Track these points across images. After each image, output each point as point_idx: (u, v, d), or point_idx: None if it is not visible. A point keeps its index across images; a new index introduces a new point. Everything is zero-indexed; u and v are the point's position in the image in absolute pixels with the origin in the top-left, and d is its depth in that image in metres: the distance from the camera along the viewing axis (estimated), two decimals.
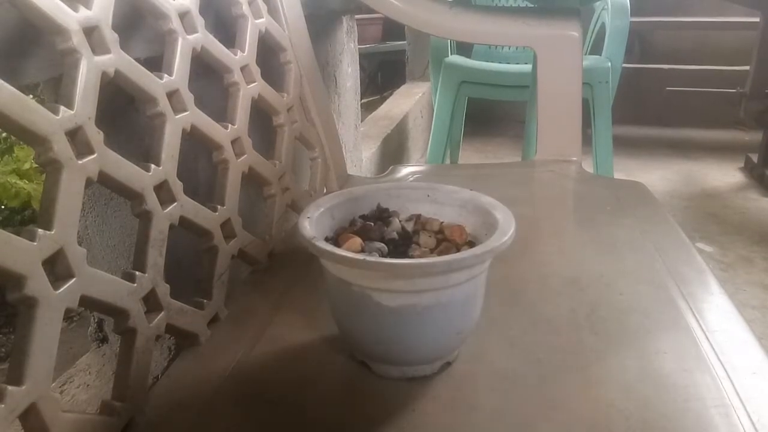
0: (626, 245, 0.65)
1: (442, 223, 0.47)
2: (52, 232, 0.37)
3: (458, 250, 0.44)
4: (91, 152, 0.41)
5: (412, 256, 0.44)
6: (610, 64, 1.82)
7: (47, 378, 0.35)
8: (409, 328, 0.41)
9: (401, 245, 0.45)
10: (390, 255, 0.44)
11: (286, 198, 0.71)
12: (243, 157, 0.62)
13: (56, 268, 0.37)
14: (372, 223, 0.47)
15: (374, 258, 0.40)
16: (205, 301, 0.54)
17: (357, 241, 0.44)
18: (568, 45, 0.91)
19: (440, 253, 0.44)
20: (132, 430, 0.42)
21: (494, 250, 0.40)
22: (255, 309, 0.57)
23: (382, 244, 0.44)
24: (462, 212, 0.48)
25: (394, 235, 0.46)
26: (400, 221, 0.47)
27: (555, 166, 0.90)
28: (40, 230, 0.36)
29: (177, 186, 0.51)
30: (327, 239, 0.45)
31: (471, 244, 0.45)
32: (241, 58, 0.65)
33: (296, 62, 0.78)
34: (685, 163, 2.43)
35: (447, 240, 0.46)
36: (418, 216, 0.48)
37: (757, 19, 2.15)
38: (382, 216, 0.48)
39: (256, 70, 0.67)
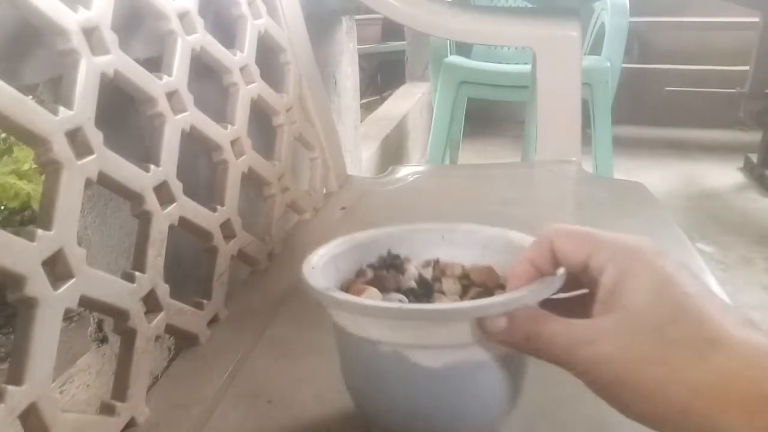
0: None
1: (464, 266, 0.40)
2: (52, 233, 0.37)
3: (491, 295, 0.36)
4: (91, 153, 0.41)
5: None
6: (609, 64, 1.82)
7: (47, 378, 0.36)
8: (456, 395, 0.33)
9: (422, 295, 0.39)
10: None
11: (285, 198, 0.71)
12: (242, 158, 0.62)
13: (56, 268, 0.37)
14: (385, 272, 0.40)
15: (417, 305, 0.33)
16: (205, 301, 0.54)
17: (373, 291, 0.37)
18: (567, 45, 0.91)
19: (473, 299, 0.36)
20: (132, 430, 0.42)
21: (556, 281, 0.32)
22: (255, 309, 0.57)
23: (401, 295, 0.38)
24: (486, 252, 0.41)
25: (412, 283, 0.39)
26: (416, 268, 0.41)
27: (555, 167, 0.90)
28: (39, 230, 0.36)
29: (176, 186, 0.51)
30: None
31: (503, 287, 0.38)
32: (240, 58, 0.65)
33: (296, 62, 0.78)
34: (685, 164, 2.43)
35: (475, 285, 0.39)
36: (436, 260, 0.41)
37: (757, 19, 2.15)
38: (393, 263, 0.41)
39: (255, 71, 0.67)
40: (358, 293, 0.36)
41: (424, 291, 0.39)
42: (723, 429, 0.24)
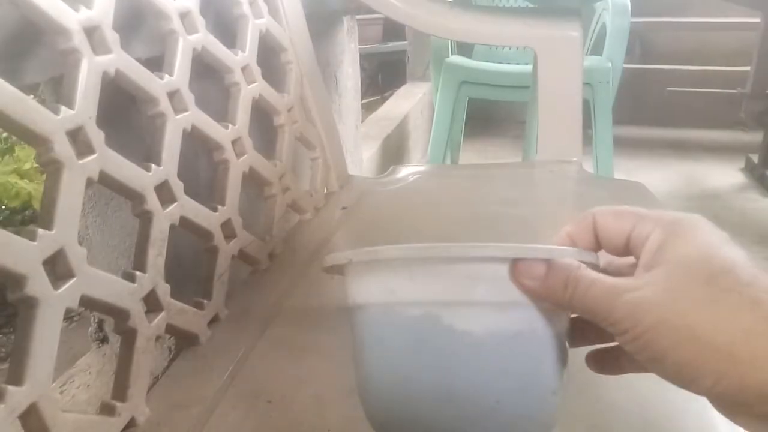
0: None
1: None
2: (53, 232, 0.37)
3: None
4: (92, 152, 0.41)
5: None
6: (610, 64, 1.82)
7: (47, 378, 0.35)
8: (497, 367, 0.29)
9: None
10: None
11: (286, 198, 0.71)
12: (243, 157, 0.62)
13: (56, 268, 0.37)
14: None
15: (454, 245, 0.28)
16: (205, 301, 0.54)
17: None
18: (568, 45, 0.90)
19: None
20: (132, 430, 0.42)
21: (594, 254, 0.31)
22: (255, 309, 0.57)
23: None
24: None
25: None
26: None
27: (555, 167, 0.89)
28: (40, 230, 0.36)
29: (177, 186, 0.51)
30: None
31: None
32: (241, 58, 0.65)
33: (297, 62, 0.78)
34: (686, 164, 2.43)
35: None
36: None
37: (758, 20, 2.15)
38: None
39: (256, 70, 0.67)
40: None
41: None
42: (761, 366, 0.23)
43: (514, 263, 0.28)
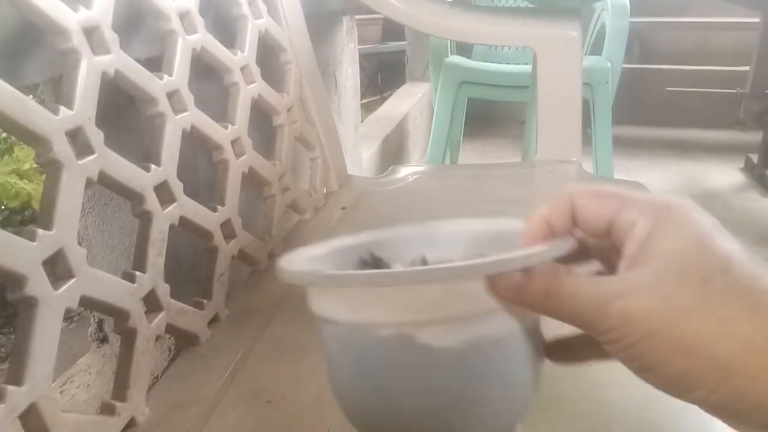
0: None
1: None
2: (52, 232, 0.37)
3: None
4: (91, 152, 0.41)
5: None
6: (610, 64, 1.82)
7: (47, 378, 0.35)
8: (476, 378, 0.28)
9: None
10: None
11: (286, 198, 0.71)
12: (243, 158, 0.62)
13: (56, 268, 0.37)
14: None
15: (425, 267, 0.27)
16: (205, 301, 0.54)
17: None
18: (568, 45, 0.91)
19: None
20: (132, 430, 0.42)
21: (569, 241, 0.28)
22: (255, 309, 0.57)
23: None
24: (475, 248, 0.36)
25: None
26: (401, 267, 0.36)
27: (555, 167, 0.89)
28: (40, 230, 0.36)
29: (177, 186, 0.51)
30: None
31: None
32: (241, 58, 0.65)
33: (296, 62, 0.78)
34: (685, 164, 2.43)
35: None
36: (423, 259, 0.36)
37: (757, 20, 2.15)
38: (377, 266, 0.37)
39: (256, 71, 0.67)
40: None
41: None
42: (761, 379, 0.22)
43: (488, 278, 0.26)
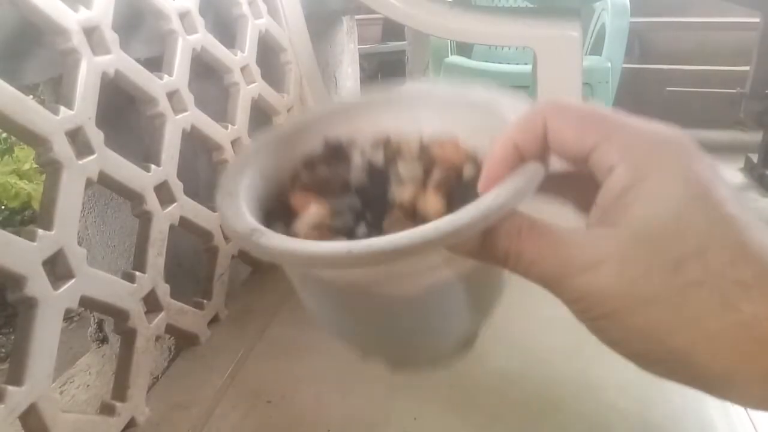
0: None
1: (422, 140, 0.32)
2: (52, 233, 0.37)
3: (460, 175, 0.30)
4: (91, 152, 0.41)
5: (395, 200, 0.29)
6: (610, 64, 1.83)
7: (47, 378, 0.36)
8: (435, 314, 0.29)
9: (376, 187, 0.31)
10: (365, 206, 0.29)
11: None
12: None
13: (56, 268, 0.37)
14: (326, 168, 0.32)
15: (370, 243, 0.23)
16: (205, 301, 0.54)
17: (318, 209, 0.28)
18: (568, 45, 0.91)
19: (438, 185, 0.29)
20: (132, 430, 0.42)
21: (540, 170, 0.25)
22: (255, 309, 0.57)
23: (354, 198, 0.30)
24: (446, 117, 0.33)
25: (362, 177, 0.32)
26: (362, 154, 0.33)
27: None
28: (40, 230, 0.36)
29: (177, 186, 0.51)
30: (271, 216, 0.29)
31: (473, 160, 0.31)
32: (241, 58, 0.65)
33: (296, 62, 0.78)
34: None
35: (438, 163, 0.31)
36: (387, 139, 0.33)
37: (757, 20, 2.15)
38: (336, 154, 0.33)
39: (256, 71, 0.67)
40: (302, 208, 0.28)
41: (379, 184, 0.31)
42: (721, 373, 0.20)
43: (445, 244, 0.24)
